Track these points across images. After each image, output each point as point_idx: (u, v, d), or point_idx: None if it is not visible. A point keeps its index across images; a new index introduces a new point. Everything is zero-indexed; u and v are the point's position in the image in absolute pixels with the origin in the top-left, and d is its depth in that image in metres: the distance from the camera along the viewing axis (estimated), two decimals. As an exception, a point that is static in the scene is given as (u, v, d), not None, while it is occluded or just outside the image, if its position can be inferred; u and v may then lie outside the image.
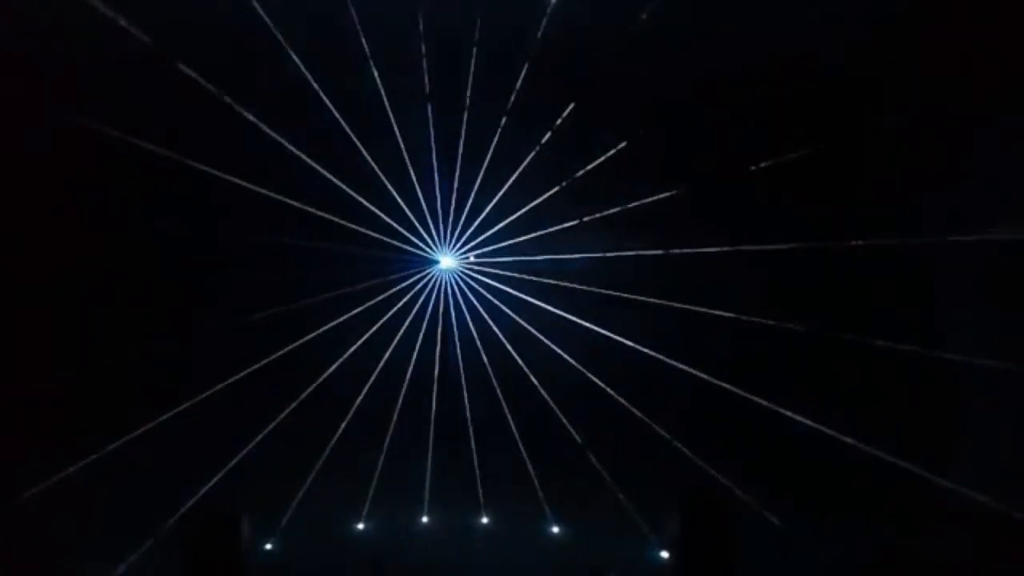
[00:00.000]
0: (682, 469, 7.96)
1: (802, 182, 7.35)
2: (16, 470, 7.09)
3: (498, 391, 8.33)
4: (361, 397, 8.26)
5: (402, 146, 7.98)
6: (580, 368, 8.27)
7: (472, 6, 7.69)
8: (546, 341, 8.28)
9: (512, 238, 8.20)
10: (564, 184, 8.01)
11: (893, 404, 7.23)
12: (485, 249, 8.24)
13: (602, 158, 7.88)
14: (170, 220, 7.53)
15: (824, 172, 7.25)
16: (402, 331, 8.31)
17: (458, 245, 8.27)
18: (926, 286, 7.25)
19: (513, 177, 8.07)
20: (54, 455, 7.24)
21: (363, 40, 7.64)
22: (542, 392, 8.30)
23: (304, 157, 7.82)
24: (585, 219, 8.02)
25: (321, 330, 8.15)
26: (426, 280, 8.30)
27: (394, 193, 8.08)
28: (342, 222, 8.01)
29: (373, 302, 8.22)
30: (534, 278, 8.23)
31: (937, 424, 7.08)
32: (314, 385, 8.16)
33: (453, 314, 8.34)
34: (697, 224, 7.81)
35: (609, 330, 8.19)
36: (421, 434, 8.37)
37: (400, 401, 8.34)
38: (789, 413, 7.71)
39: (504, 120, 7.94)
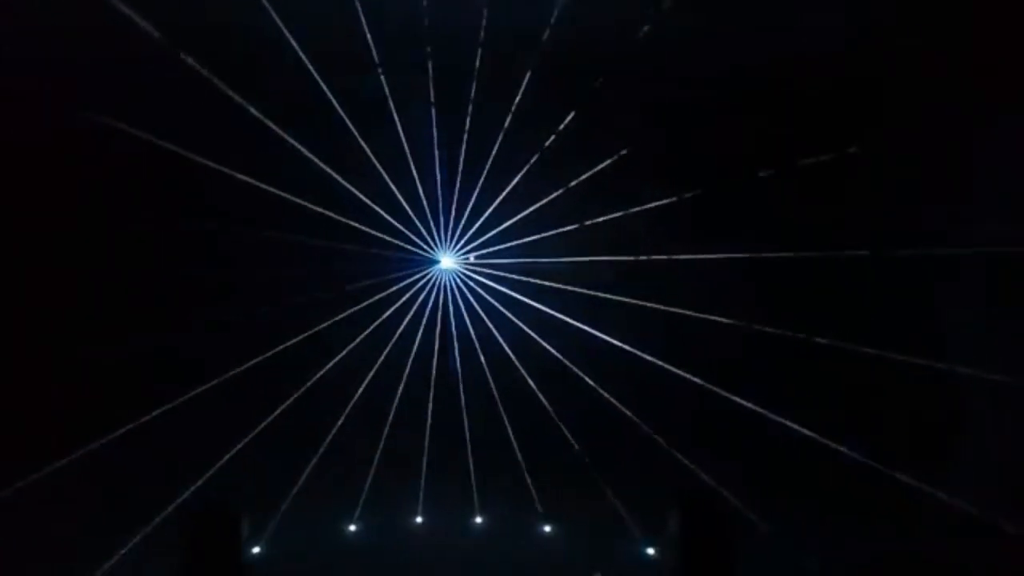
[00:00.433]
0: (676, 473, 8.04)
1: (804, 189, 7.44)
2: (10, 468, 7.00)
3: (495, 392, 8.35)
4: (357, 396, 8.25)
5: (405, 145, 8.00)
6: (576, 371, 8.32)
7: (479, 8, 7.73)
8: (544, 343, 8.33)
9: (513, 240, 8.24)
10: (567, 187, 8.06)
11: (887, 411, 7.34)
12: (486, 250, 8.27)
13: (605, 163, 7.93)
14: (171, 216, 7.47)
15: (825, 179, 7.32)
16: (400, 330, 8.32)
17: (458, 245, 8.29)
18: (923, 294, 7.37)
19: (516, 179, 8.11)
20: (49, 452, 7.15)
21: (369, 39, 7.64)
22: (538, 394, 8.34)
23: (306, 154, 7.81)
24: (586, 223, 8.07)
25: (319, 328, 8.13)
26: (426, 280, 8.31)
27: (396, 192, 8.09)
28: (343, 219, 8.00)
29: (371, 301, 8.22)
30: (534, 280, 8.27)
31: (933, 432, 7.19)
32: (310, 383, 8.13)
33: (452, 314, 8.36)
34: (698, 230, 7.88)
35: (607, 334, 8.24)
36: (417, 434, 8.38)
37: (396, 401, 8.34)
38: (790, 423, 7.78)
39: (508, 121, 7.97)
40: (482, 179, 8.13)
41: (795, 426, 7.69)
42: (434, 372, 8.39)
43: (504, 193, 8.14)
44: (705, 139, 7.55)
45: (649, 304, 8.14)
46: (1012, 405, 6.57)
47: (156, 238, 7.49)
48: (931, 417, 7.27)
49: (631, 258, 8.17)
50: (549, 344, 8.35)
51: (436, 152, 8.08)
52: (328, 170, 7.87)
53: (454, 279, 8.34)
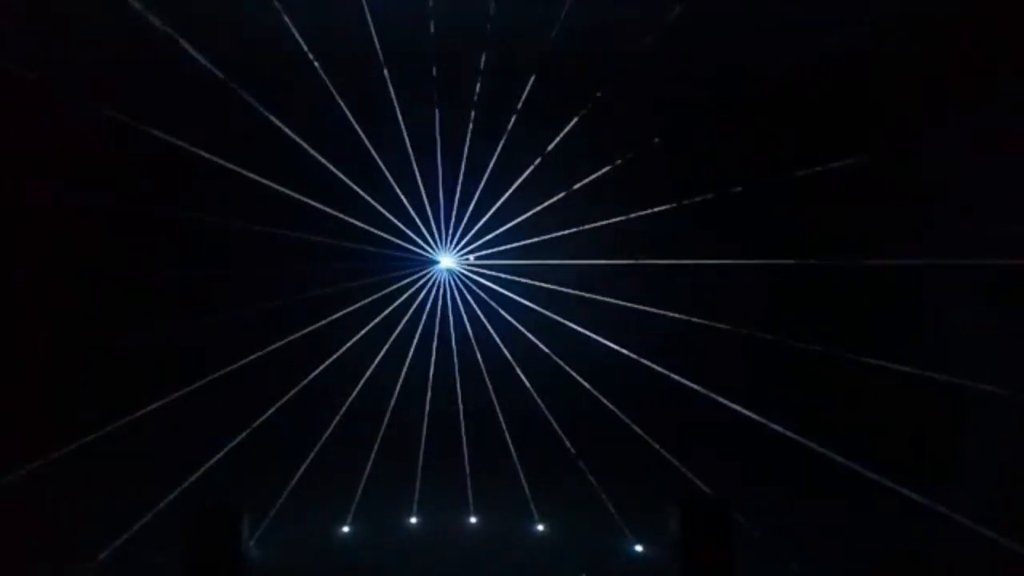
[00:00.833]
0: (669, 475, 8.08)
1: (804, 197, 7.50)
2: (5, 467, 6.97)
3: (491, 392, 8.38)
4: (354, 395, 8.25)
5: (408, 145, 8.02)
6: (572, 372, 8.35)
7: (484, 9, 7.77)
8: (541, 345, 8.36)
9: (513, 241, 8.27)
10: (568, 191, 8.10)
11: (885, 420, 7.41)
12: (486, 252, 8.30)
13: (607, 167, 7.97)
14: (172, 212, 7.46)
15: (827, 187, 7.39)
16: (398, 329, 8.33)
17: (459, 246, 8.32)
18: (927, 305, 7.43)
19: (518, 182, 8.14)
20: (45, 448, 7.13)
21: (375, 40, 7.67)
22: (534, 395, 8.37)
23: (309, 151, 7.82)
24: (587, 226, 8.12)
25: (316, 326, 8.13)
26: (425, 279, 8.33)
27: (398, 191, 8.11)
28: (344, 217, 8.02)
29: (370, 300, 8.23)
30: (533, 282, 8.31)
31: (933, 444, 7.24)
32: (305, 382, 8.12)
33: (451, 314, 8.38)
34: (697, 235, 7.94)
35: (604, 337, 8.29)
36: (413, 433, 8.40)
37: (393, 400, 8.35)
38: (783, 430, 7.81)
39: (512, 123, 8.01)
40: (484, 180, 8.16)
41: (789, 432, 7.75)
42: (432, 372, 8.41)
43: (506, 195, 8.17)
44: (708, 144, 7.63)
45: (647, 308, 8.18)
46: (1008, 415, 6.62)
47: (156, 234, 7.47)
48: (925, 423, 7.34)
49: (630, 262, 8.21)
50: (546, 345, 8.38)
51: (439, 152, 8.11)
52: (331, 168, 7.89)
53: (454, 279, 8.36)
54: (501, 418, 8.38)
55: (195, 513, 6.61)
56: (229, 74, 7.36)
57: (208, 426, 7.69)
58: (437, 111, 8.02)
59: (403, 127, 7.97)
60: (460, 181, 8.17)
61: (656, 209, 7.99)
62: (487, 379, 8.37)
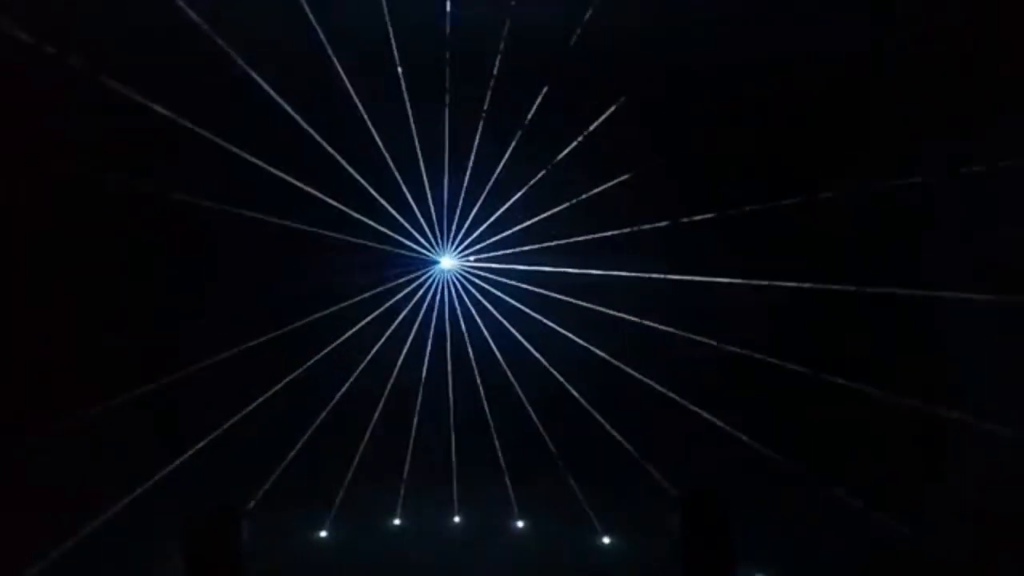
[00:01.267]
0: (653, 482, 8.33)
1: (800, 219, 7.73)
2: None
3: (482, 393, 8.44)
4: (341, 393, 8.14)
5: (417, 146, 7.99)
6: (560, 379, 8.51)
7: (497, 16, 7.84)
8: (532, 350, 8.47)
9: (515, 246, 8.33)
10: (572, 201, 8.22)
11: (877, 448, 7.68)
12: (487, 255, 8.35)
13: (612, 182, 8.17)
14: (173, 212, 7.20)
15: (828, 214, 7.65)
16: (391, 329, 8.29)
17: (460, 247, 8.34)
18: (928, 335, 7.62)
19: (523, 190, 8.23)
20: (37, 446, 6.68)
21: (391, 38, 7.62)
22: (522, 398, 8.48)
23: (316, 147, 7.68)
24: (586, 237, 8.28)
25: (309, 319, 7.97)
26: (425, 280, 8.30)
27: (405, 191, 8.06)
28: (350, 211, 7.90)
29: (366, 296, 8.15)
30: (530, 287, 8.40)
31: (930, 481, 7.47)
32: (296, 373, 7.94)
33: (447, 315, 8.39)
34: (698, 251, 8.14)
35: (596, 345, 8.45)
36: (403, 431, 8.35)
37: (384, 399, 8.28)
38: (763, 448, 8.06)
39: (520, 133, 8.11)
40: (489, 185, 8.21)
41: (768, 450, 8.09)
42: (424, 372, 8.39)
43: (511, 201, 8.25)
44: (713, 161, 7.76)
45: (645, 322, 8.38)
46: (1001, 452, 6.85)
47: (155, 229, 7.19)
48: (934, 466, 7.47)
49: (627, 274, 8.40)
50: (537, 351, 8.50)
51: (446, 155, 8.11)
52: (341, 163, 7.76)
53: (454, 280, 8.37)
54: (490, 419, 8.45)
55: (194, 514, 6.45)
56: (235, 71, 7.14)
57: (202, 423, 7.44)
58: (447, 112, 8.02)
59: (413, 127, 7.93)
60: (466, 183, 8.19)
61: (659, 224, 8.23)
62: (478, 380, 8.42)
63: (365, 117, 7.76)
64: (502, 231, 8.32)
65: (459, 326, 8.40)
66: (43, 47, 6.54)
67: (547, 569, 8.24)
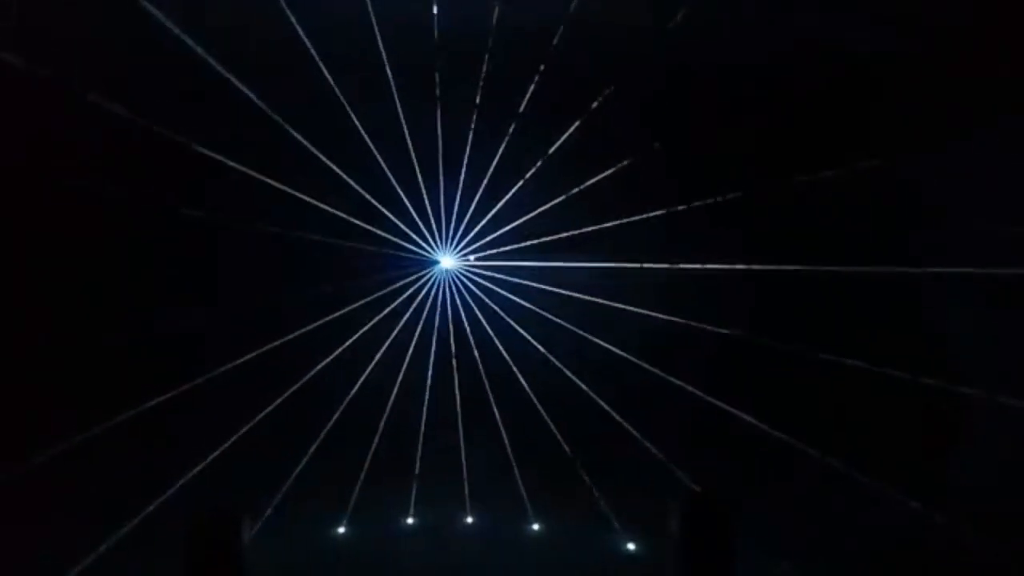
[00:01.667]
0: (665, 479, 8.15)
1: (807, 202, 7.53)
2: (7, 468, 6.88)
3: (489, 394, 8.39)
4: (351, 395, 8.22)
5: (409, 144, 7.98)
6: (571, 375, 8.39)
7: (486, 10, 7.75)
8: (540, 347, 8.38)
9: (514, 242, 8.27)
10: (570, 193, 8.11)
11: (884, 426, 7.52)
12: (487, 252, 8.29)
13: (611, 170, 7.99)
14: (171, 213, 7.39)
15: (831, 190, 7.43)
16: (397, 331, 8.31)
17: (459, 246, 8.30)
18: (926, 311, 7.48)
19: (520, 182, 8.14)
20: (39, 449, 7.04)
21: (379, 39, 7.62)
22: (532, 397, 8.40)
23: (310, 151, 7.76)
24: (588, 229, 8.13)
25: (314, 325, 8.08)
26: (426, 280, 8.31)
27: (399, 191, 8.07)
28: (344, 216, 7.97)
29: (368, 300, 8.19)
30: (534, 284, 8.31)
31: (933, 450, 7.35)
32: (303, 381, 8.07)
33: (450, 315, 8.37)
34: (699, 238, 7.98)
35: (603, 339, 8.32)
36: (412, 433, 8.39)
37: (392, 400, 8.34)
38: (780, 434, 7.88)
39: (514, 125, 8.01)
40: (485, 181, 8.15)
41: (786, 436, 7.83)
42: (430, 372, 8.41)
43: (507, 196, 8.17)
44: (709, 147, 7.62)
45: (647, 312, 8.22)
46: (1007, 421, 6.75)
47: (154, 233, 7.39)
48: (921, 425, 7.47)
49: (632, 265, 8.24)
50: (546, 348, 8.40)
51: (440, 152, 8.08)
52: (332, 167, 7.82)
53: (454, 280, 8.35)
54: (498, 418, 8.40)
55: (194, 515, 6.59)
56: (227, 73, 7.26)
57: (204, 427, 7.62)
58: (439, 110, 7.98)
59: (404, 126, 7.92)
60: (462, 180, 8.14)
61: (660, 212, 8.01)
62: (484, 380, 8.37)
63: (351, 121, 7.79)
64: (501, 229, 8.25)
65: (463, 326, 8.38)
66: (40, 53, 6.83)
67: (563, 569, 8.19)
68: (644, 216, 8.06)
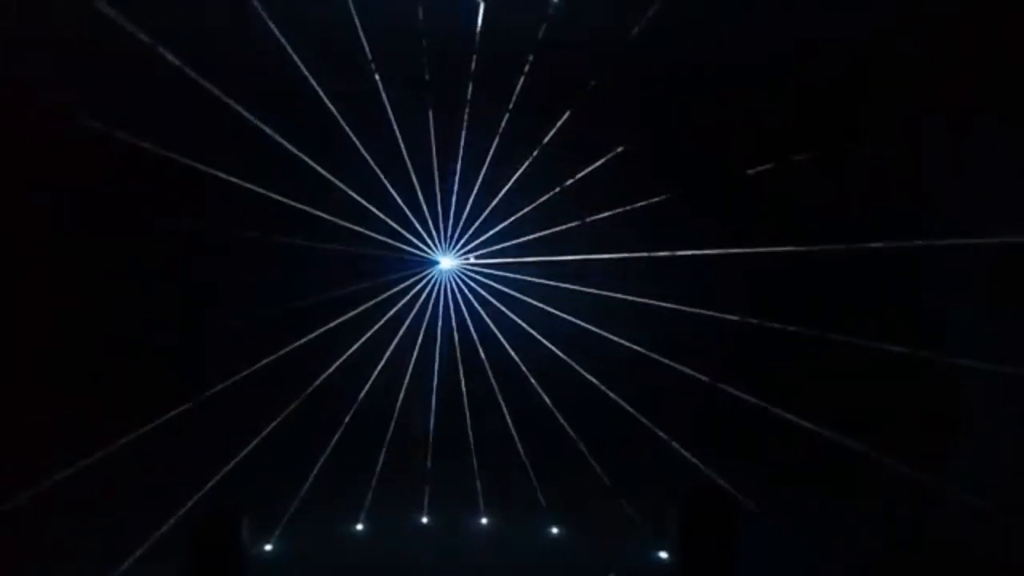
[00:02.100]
0: (682, 470, 7.98)
1: (802, 184, 7.34)
2: (16, 469, 7.06)
3: (498, 392, 8.32)
4: (360, 398, 8.24)
5: (402, 146, 7.95)
6: (580, 370, 8.27)
7: (473, 7, 7.68)
8: (546, 343, 8.28)
9: (514, 238, 8.19)
10: (565, 185, 8.00)
11: (893, 406, 7.24)
12: (486, 250, 8.22)
13: (603, 159, 7.85)
14: (169, 220, 7.47)
15: (823, 174, 7.25)
16: (402, 332, 8.30)
17: (458, 246, 8.25)
18: (926, 287, 7.29)
19: (514, 177, 8.06)
20: (51, 455, 7.20)
21: (363, 39, 7.60)
22: (542, 394, 8.30)
23: (303, 157, 7.80)
24: (587, 219, 8.00)
25: (319, 331, 8.12)
26: (426, 281, 8.27)
27: (392, 193, 8.05)
28: (341, 222, 7.99)
29: (371, 304, 8.20)
30: (535, 279, 8.22)
31: (940, 427, 7.11)
32: (312, 387, 8.11)
33: (453, 315, 8.33)
34: (698, 225, 7.82)
35: (609, 331, 8.18)
36: (421, 434, 8.37)
37: (399, 402, 8.33)
38: (795, 418, 7.65)
39: (505, 120, 7.92)
40: (480, 178, 8.09)
41: (802, 421, 7.59)
42: (436, 373, 8.37)
43: (502, 192, 8.10)
44: (703, 134, 7.45)
45: (652, 302, 8.06)
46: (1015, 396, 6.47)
47: (154, 243, 7.48)
48: (938, 409, 7.18)
49: (634, 255, 8.09)
50: (552, 343, 8.29)
51: (433, 152, 8.03)
52: (324, 173, 7.85)
53: (455, 279, 8.29)
54: (508, 417, 8.32)
55: (195, 515, 6.68)
56: (216, 79, 7.34)
57: (211, 436, 7.71)
58: (431, 110, 7.94)
59: (395, 127, 7.90)
60: (456, 180, 8.09)
61: (657, 199, 7.84)
62: (491, 379, 8.30)
63: (342, 123, 7.80)
64: (499, 223, 8.18)
65: (466, 325, 8.32)
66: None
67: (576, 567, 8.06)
68: (644, 203, 7.88)
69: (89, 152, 7.20)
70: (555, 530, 8.35)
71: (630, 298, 8.12)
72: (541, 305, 8.25)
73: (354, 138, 7.80)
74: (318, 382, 8.15)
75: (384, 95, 7.81)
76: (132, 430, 7.40)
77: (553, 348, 8.25)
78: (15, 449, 7.12)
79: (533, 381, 8.27)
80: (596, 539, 8.14)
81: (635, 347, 8.15)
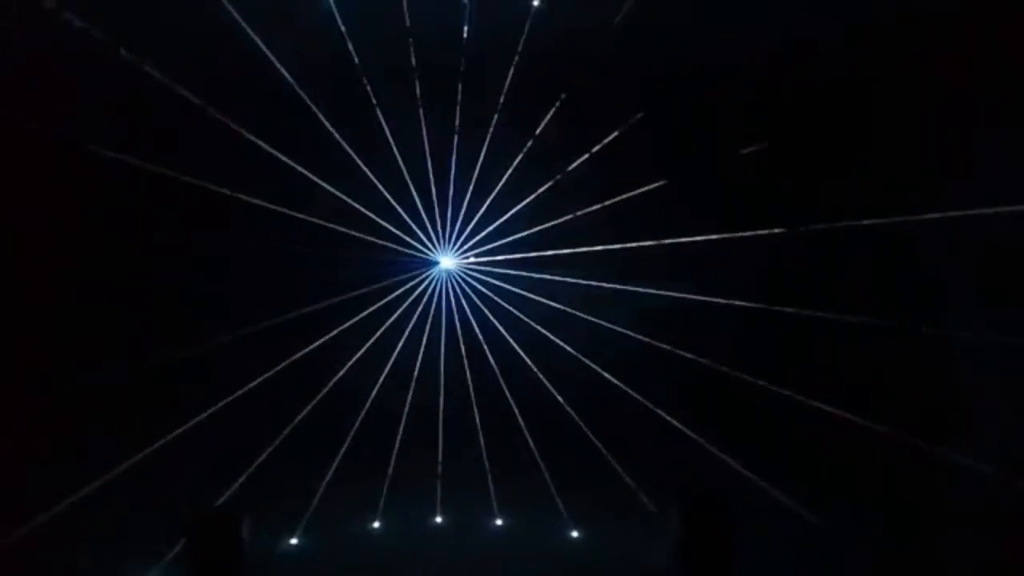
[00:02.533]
0: (696, 462, 7.81)
1: (795, 168, 7.29)
2: (26, 479, 7.32)
3: (506, 390, 8.26)
4: (369, 402, 8.28)
5: (394, 148, 8.01)
6: (589, 363, 8.17)
7: (460, 7, 7.71)
8: (553, 337, 8.20)
9: (512, 235, 8.15)
10: (559, 178, 7.94)
11: (898, 385, 6.95)
12: (485, 248, 8.19)
13: (595, 148, 7.77)
14: (171, 230, 7.65)
15: (815, 157, 7.19)
16: (407, 333, 8.31)
17: (458, 245, 8.24)
18: (922, 266, 7.08)
19: (507, 173, 8.03)
20: (61, 464, 7.44)
21: (350, 45, 7.71)
22: (551, 390, 8.21)
23: (300, 165, 7.92)
24: (579, 212, 7.91)
25: (324, 337, 8.19)
26: (427, 281, 8.28)
27: (387, 196, 8.10)
28: (338, 228, 8.07)
29: (374, 308, 8.23)
30: (535, 274, 8.15)
31: (944, 406, 6.79)
32: (320, 392, 8.19)
33: (456, 314, 8.31)
34: (694, 212, 7.71)
35: (614, 323, 8.08)
36: (430, 435, 8.36)
37: (408, 403, 8.34)
38: (808, 399, 7.44)
39: (496, 117, 7.91)
40: (475, 176, 8.08)
41: (816, 402, 7.35)
42: (442, 373, 8.36)
43: (497, 188, 8.07)
44: (695, 124, 7.46)
45: (657, 291, 7.91)
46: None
47: (153, 251, 7.64)
48: (946, 389, 6.86)
49: (635, 244, 7.96)
50: (558, 338, 8.20)
51: (427, 152, 8.06)
52: (317, 179, 7.96)
53: (456, 279, 8.28)
54: (517, 413, 8.25)
55: (195, 515, 6.79)
56: (208, 87, 7.51)
57: (219, 445, 7.83)
58: (422, 110, 7.97)
59: (387, 130, 7.96)
60: (452, 179, 8.09)
61: (651, 187, 7.71)
62: (499, 377, 8.25)
63: (330, 129, 7.89)
64: (496, 220, 8.16)
65: (470, 323, 8.29)
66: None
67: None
68: (638, 192, 7.78)
69: (86, 165, 7.44)
70: (574, 534, 8.20)
71: (635, 288, 7.99)
72: (546, 300, 8.18)
73: (345, 144, 7.89)
74: (329, 386, 8.23)
75: (374, 99, 7.89)
76: (139, 439, 7.62)
77: (560, 342, 8.17)
78: (44, 453, 7.40)
79: (542, 377, 8.19)
80: (608, 536, 8.01)
81: (645, 338, 8.02)
